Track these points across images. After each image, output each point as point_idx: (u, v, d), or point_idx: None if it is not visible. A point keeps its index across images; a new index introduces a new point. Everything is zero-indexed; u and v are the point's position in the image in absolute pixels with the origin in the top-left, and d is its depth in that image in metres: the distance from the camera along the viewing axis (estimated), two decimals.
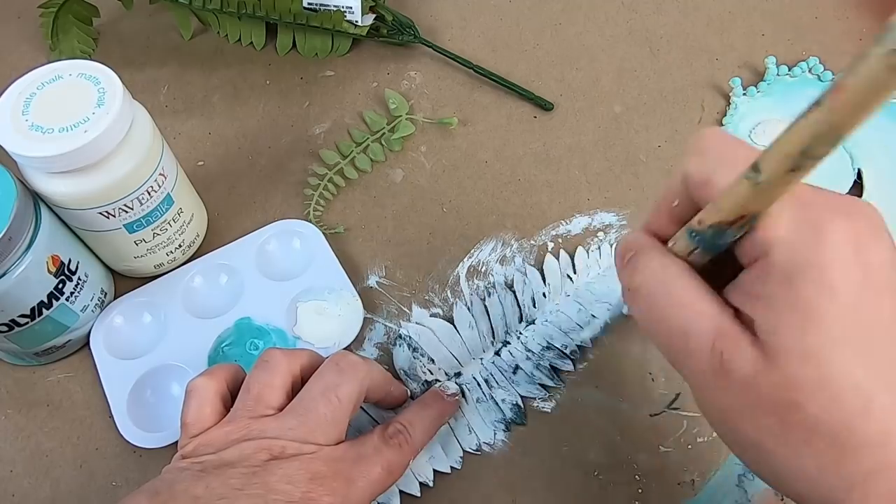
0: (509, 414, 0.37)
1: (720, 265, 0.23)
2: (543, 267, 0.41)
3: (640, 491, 0.35)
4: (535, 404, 0.38)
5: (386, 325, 0.41)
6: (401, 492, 0.35)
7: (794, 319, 0.20)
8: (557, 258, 0.42)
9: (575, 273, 0.41)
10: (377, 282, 0.42)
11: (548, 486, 0.36)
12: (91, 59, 0.36)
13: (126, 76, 0.36)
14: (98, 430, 0.38)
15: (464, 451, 0.36)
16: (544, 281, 0.41)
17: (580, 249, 0.42)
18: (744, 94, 0.49)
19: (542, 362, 0.38)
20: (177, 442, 0.32)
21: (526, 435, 0.37)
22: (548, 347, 0.38)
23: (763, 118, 0.47)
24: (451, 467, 0.36)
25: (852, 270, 0.20)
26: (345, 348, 0.39)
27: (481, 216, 0.45)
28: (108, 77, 0.35)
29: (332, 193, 0.46)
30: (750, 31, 0.54)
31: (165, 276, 0.42)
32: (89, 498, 0.36)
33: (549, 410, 0.37)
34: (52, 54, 0.53)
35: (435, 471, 0.35)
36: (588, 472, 0.36)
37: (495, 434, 0.36)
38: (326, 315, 0.40)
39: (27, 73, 0.35)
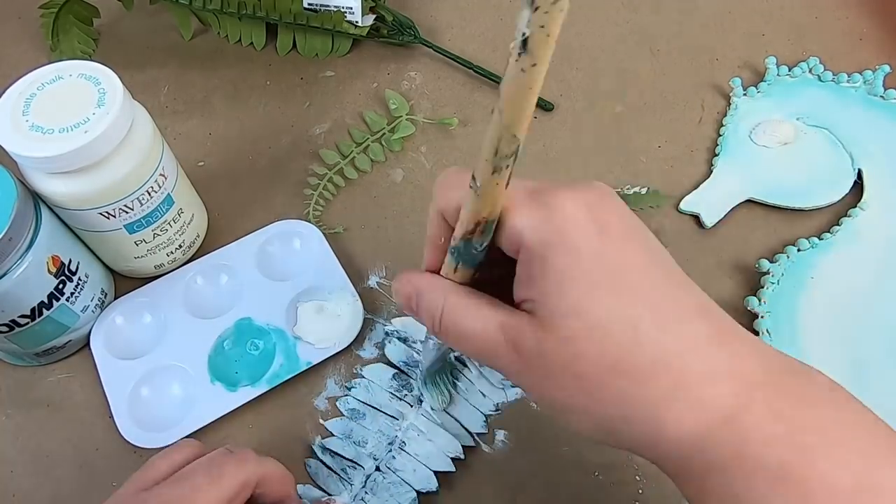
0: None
1: (506, 278, 0.25)
2: None
3: (640, 491, 0.35)
4: (535, 404, 0.38)
5: (386, 326, 0.41)
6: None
7: (552, 285, 0.22)
8: None
9: None
10: (377, 282, 0.42)
11: (548, 486, 0.36)
12: (91, 60, 0.36)
13: (126, 76, 0.36)
14: (98, 430, 0.38)
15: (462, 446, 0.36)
16: None
17: None
18: (744, 94, 0.49)
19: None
20: (176, 441, 0.32)
21: (526, 435, 0.37)
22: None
23: (763, 118, 0.47)
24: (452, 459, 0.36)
25: (589, 228, 0.22)
26: (345, 348, 0.39)
27: None
28: (108, 77, 0.35)
29: (332, 193, 0.46)
30: (750, 31, 0.54)
31: (166, 276, 0.42)
32: (89, 498, 0.36)
33: None
34: (52, 55, 0.53)
35: (435, 471, 0.35)
36: (588, 472, 0.36)
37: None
38: (327, 315, 0.40)
39: (27, 73, 0.35)
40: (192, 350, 0.39)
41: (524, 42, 0.17)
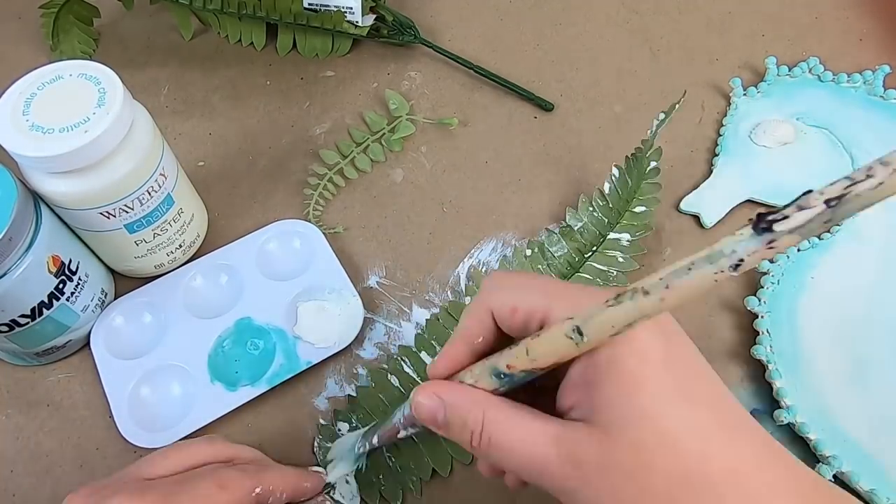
0: None
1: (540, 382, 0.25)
2: None
3: None
4: None
5: (386, 325, 0.41)
6: (402, 490, 0.35)
7: (620, 390, 0.21)
8: None
9: None
10: (377, 282, 0.42)
11: None
12: (91, 60, 0.36)
13: (126, 76, 0.36)
14: (98, 430, 0.38)
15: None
16: None
17: None
18: (744, 94, 0.49)
19: None
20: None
21: None
22: None
23: (763, 118, 0.47)
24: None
25: (655, 332, 0.22)
26: (345, 347, 0.39)
27: (481, 216, 0.45)
28: (108, 77, 0.35)
29: (332, 193, 0.46)
30: (750, 31, 0.54)
31: (165, 276, 0.42)
32: None
33: None
34: (52, 54, 0.53)
35: (434, 471, 0.35)
36: None
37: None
38: (327, 314, 0.40)
39: (28, 73, 0.35)
40: (191, 350, 0.39)
41: (737, 265, 0.18)
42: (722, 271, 0.18)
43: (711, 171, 0.46)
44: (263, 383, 0.38)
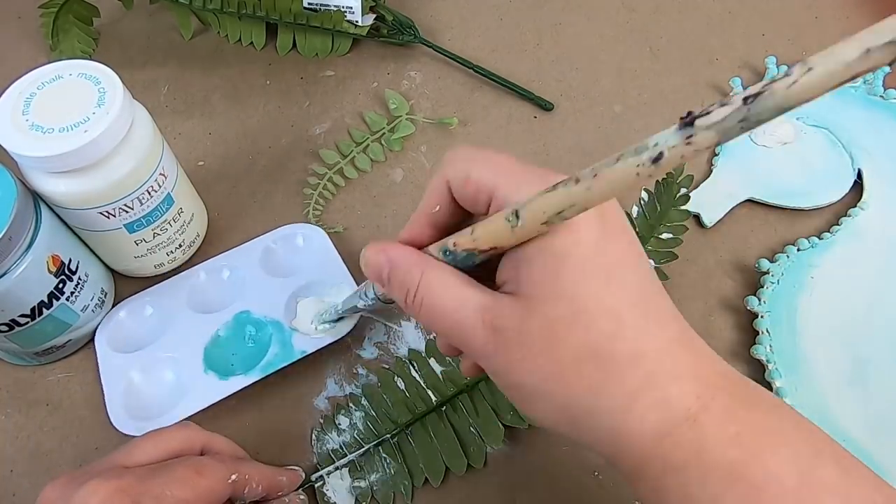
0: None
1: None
2: None
3: None
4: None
5: (386, 325, 0.41)
6: (392, 493, 0.35)
7: (547, 267, 0.22)
8: None
9: None
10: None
11: (548, 486, 0.36)
12: (91, 59, 0.36)
13: (126, 76, 0.36)
14: (98, 430, 0.38)
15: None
16: None
17: None
18: None
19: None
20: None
21: (526, 435, 0.37)
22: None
23: None
24: None
25: (592, 221, 0.23)
26: (343, 343, 0.39)
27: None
28: (108, 77, 0.35)
29: (332, 193, 0.46)
30: (750, 31, 0.54)
31: (171, 278, 0.42)
32: None
33: None
34: (52, 54, 0.53)
35: (426, 479, 0.35)
36: (588, 472, 0.36)
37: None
38: (325, 307, 0.40)
39: (27, 73, 0.35)
40: (188, 342, 0.39)
41: (657, 158, 0.18)
42: (643, 164, 0.18)
43: (711, 171, 0.46)
44: (257, 371, 0.38)
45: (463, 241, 0.24)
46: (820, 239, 0.42)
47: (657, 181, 0.42)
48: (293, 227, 0.44)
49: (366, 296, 0.32)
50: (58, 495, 0.28)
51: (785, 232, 0.43)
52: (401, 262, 0.26)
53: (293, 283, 0.41)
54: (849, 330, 0.39)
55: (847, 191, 0.44)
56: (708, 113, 0.17)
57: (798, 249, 0.41)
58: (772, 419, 0.23)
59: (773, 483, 0.21)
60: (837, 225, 0.42)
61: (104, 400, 0.37)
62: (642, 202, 0.42)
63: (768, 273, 0.41)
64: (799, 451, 0.22)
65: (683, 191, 0.42)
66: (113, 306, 0.41)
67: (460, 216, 0.26)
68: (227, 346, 0.39)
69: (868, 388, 0.37)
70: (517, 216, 0.22)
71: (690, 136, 0.17)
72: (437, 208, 0.26)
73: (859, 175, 0.44)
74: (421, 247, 0.26)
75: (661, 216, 0.42)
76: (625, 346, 0.22)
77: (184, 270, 0.42)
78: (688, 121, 0.17)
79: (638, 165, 0.18)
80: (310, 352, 0.38)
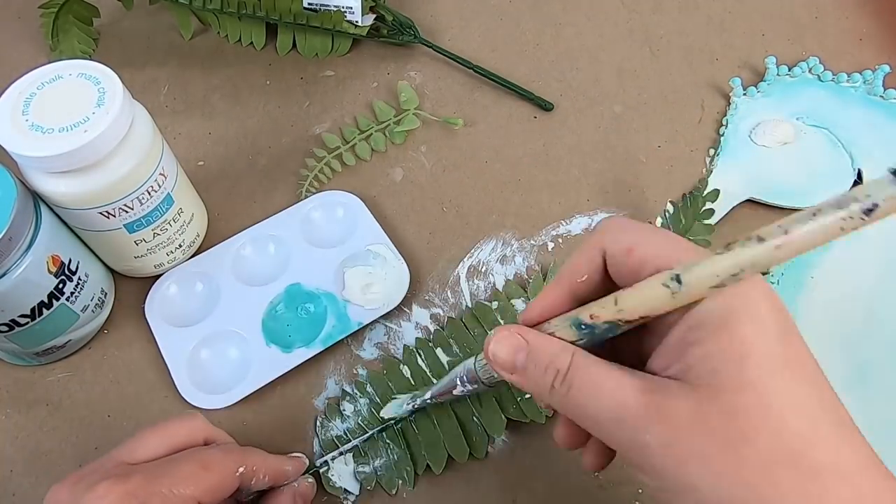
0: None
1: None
2: None
3: (640, 491, 0.35)
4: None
5: (386, 326, 0.41)
6: (389, 492, 0.35)
7: (728, 353, 0.20)
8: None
9: None
10: None
11: (548, 486, 0.36)
12: (91, 59, 0.36)
13: (126, 76, 0.36)
14: (98, 430, 0.38)
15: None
16: None
17: None
18: (744, 94, 0.49)
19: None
20: (230, 407, 0.36)
21: (526, 435, 0.37)
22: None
23: (763, 118, 0.47)
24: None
25: (774, 311, 0.21)
26: (392, 310, 0.40)
27: (481, 216, 0.45)
28: (108, 77, 0.35)
29: (328, 177, 0.46)
30: (750, 31, 0.54)
31: (213, 248, 0.43)
32: None
33: (549, 411, 0.37)
34: (52, 54, 0.53)
35: (428, 466, 0.36)
36: (588, 472, 0.36)
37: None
38: (374, 278, 0.41)
39: (27, 73, 0.35)
40: (246, 315, 0.40)
41: (870, 210, 0.17)
42: (851, 217, 0.17)
43: (711, 171, 0.46)
44: (318, 344, 0.39)
45: (605, 312, 0.22)
46: None
47: (684, 194, 0.42)
48: (331, 195, 0.45)
49: (464, 380, 0.30)
50: (66, 497, 0.27)
51: None
52: (543, 346, 0.24)
53: (338, 255, 0.42)
54: (848, 330, 0.39)
55: (847, 191, 0.44)
56: None
57: None
58: None
59: None
60: None
61: (170, 375, 0.38)
62: (667, 214, 0.43)
63: (768, 273, 0.41)
64: None
65: (709, 205, 0.42)
66: (113, 306, 0.41)
67: (604, 291, 0.24)
68: (282, 319, 0.40)
69: (868, 389, 0.37)
70: (678, 280, 0.20)
71: None
72: (584, 278, 0.24)
73: (859, 175, 0.44)
74: (547, 319, 0.25)
75: (684, 229, 0.42)
76: (826, 456, 0.19)
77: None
78: None
79: (843, 219, 0.17)
80: (366, 322, 0.40)
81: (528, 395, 0.36)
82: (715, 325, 0.20)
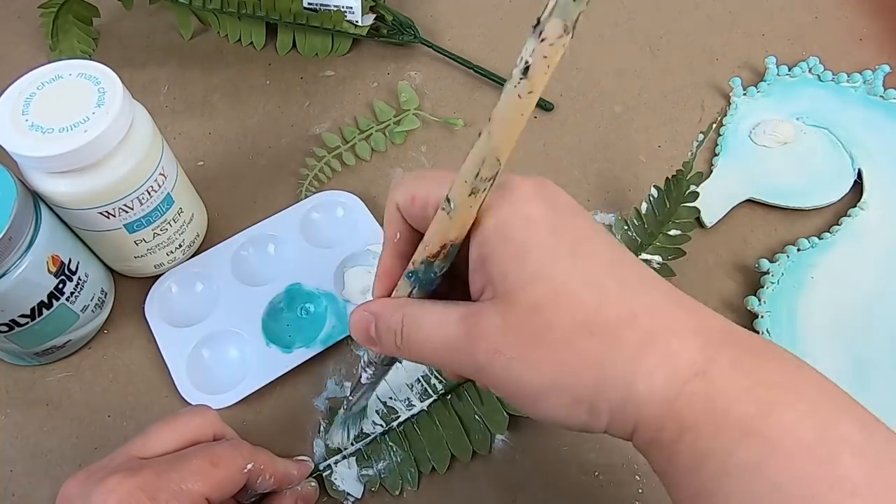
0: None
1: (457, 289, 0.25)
2: None
3: (640, 491, 0.35)
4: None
5: None
6: (392, 493, 0.35)
7: (512, 257, 0.22)
8: None
9: None
10: None
11: (548, 486, 0.36)
12: (91, 59, 0.36)
13: (126, 76, 0.36)
14: (98, 430, 0.38)
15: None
16: None
17: None
18: (744, 94, 0.49)
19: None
20: (230, 407, 0.37)
21: (526, 435, 0.37)
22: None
23: (763, 118, 0.47)
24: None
25: (540, 204, 0.23)
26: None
27: None
28: (108, 77, 0.35)
29: (328, 177, 0.46)
30: (750, 31, 0.54)
31: (209, 250, 0.43)
32: None
33: None
34: (52, 54, 0.53)
35: (433, 467, 0.36)
36: (588, 472, 0.36)
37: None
38: (373, 278, 0.40)
39: (27, 73, 0.35)
40: (246, 315, 0.40)
41: (525, 69, 0.18)
42: (517, 83, 0.18)
43: (711, 171, 0.46)
44: (318, 344, 0.39)
45: (417, 255, 0.24)
46: (820, 239, 0.42)
47: (667, 178, 0.42)
48: (329, 195, 0.45)
49: (366, 369, 0.31)
50: (77, 491, 0.28)
51: (785, 232, 0.43)
52: (382, 311, 0.26)
53: (338, 255, 0.42)
54: (849, 330, 0.39)
55: (847, 191, 0.44)
56: (546, 6, 0.17)
57: (798, 249, 0.41)
58: (786, 372, 0.22)
59: (789, 438, 0.20)
60: (837, 225, 0.42)
61: (170, 375, 0.38)
62: (651, 199, 0.42)
63: (768, 273, 0.41)
64: (817, 406, 0.21)
65: (693, 188, 0.42)
66: (113, 306, 0.41)
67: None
68: (282, 319, 0.40)
69: (868, 388, 0.37)
70: (448, 201, 0.22)
71: (541, 33, 0.17)
72: (398, 236, 0.26)
73: (859, 175, 0.44)
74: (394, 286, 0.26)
75: (669, 213, 0.42)
76: (613, 311, 0.22)
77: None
78: (535, 23, 0.18)
79: (515, 87, 0.18)
80: None
81: None
82: (494, 236, 0.22)
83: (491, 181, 0.21)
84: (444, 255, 0.23)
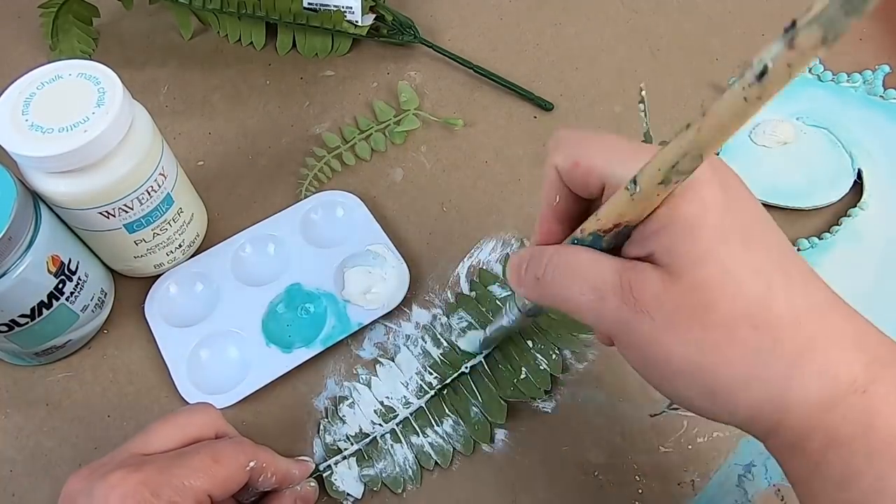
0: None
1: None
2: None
3: (640, 491, 0.35)
4: (536, 404, 0.38)
5: (386, 326, 0.41)
6: (395, 492, 0.35)
7: (682, 234, 0.21)
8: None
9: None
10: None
11: (548, 486, 0.36)
12: (91, 59, 0.36)
13: (126, 76, 0.36)
14: (98, 430, 0.38)
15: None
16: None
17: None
18: None
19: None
20: (230, 407, 0.37)
21: (526, 435, 0.37)
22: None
23: (763, 118, 0.47)
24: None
25: (715, 185, 0.22)
26: (392, 310, 0.40)
27: (481, 216, 0.45)
28: (108, 77, 0.35)
29: (328, 177, 0.46)
30: (750, 31, 0.54)
31: (213, 248, 0.43)
32: None
33: (549, 410, 0.37)
34: (52, 54, 0.53)
35: (436, 466, 0.36)
36: (588, 472, 0.36)
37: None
38: (373, 279, 0.41)
39: (27, 73, 0.35)
40: (246, 316, 0.40)
41: (762, 74, 0.16)
42: (748, 86, 0.16)
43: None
44: (318, 344, 0.39)
45: (588, 224, 0.24)
46: (820, 239, 0.42)
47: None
48: (330, 195, 0.45)
49: (510, 311, 0.32)
50: (80, 487, 0.28)
51: (785, 232, 0.43)
52: (535, 252, 0.26)
53: (338, 255, 0.42)
54: None
55: (847, 191, 0.44)
56: (808, 10, 0.15)
57: (798, 249, 0.41)
58: None
59: None
60: (837, 225, 0.42)
61: (170, 375, 0.38)
62: None
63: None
64: None
65: None
66: (113, 306, 0.41)
67: (582, 205, 0.26)
68: (282, 319, 0.40)
69: None
70: (635, 183, 0.21)
71: (793, 39, 0.16)
72: (557, 200, 0.26)
73: (859, 175, 0.44)
74: None
75: None
76: (777, 308, 0.21)
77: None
78: (788, 26, 0.16)
79: (743, 88, 0.17)
80: (366, 323, 0.40)
81: (522, 376, 0.37)
82: (664, 215, 0.22)
83: (686, 176, 0.20)
84: (615, 233, 0.23)
